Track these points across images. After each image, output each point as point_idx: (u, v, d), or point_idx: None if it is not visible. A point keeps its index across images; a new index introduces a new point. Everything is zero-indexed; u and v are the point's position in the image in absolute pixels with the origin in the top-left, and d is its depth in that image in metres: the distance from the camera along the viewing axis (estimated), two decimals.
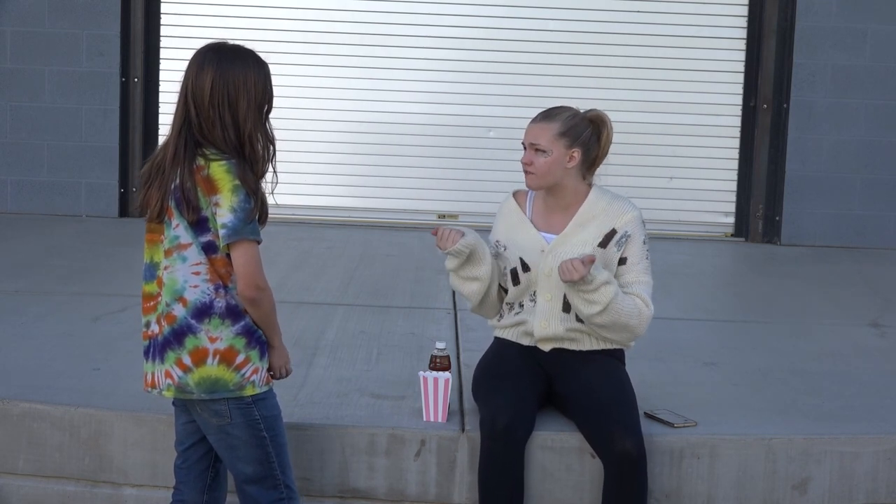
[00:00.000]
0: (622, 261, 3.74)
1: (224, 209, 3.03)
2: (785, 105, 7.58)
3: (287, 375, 3.34)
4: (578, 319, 3.75)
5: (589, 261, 3.55)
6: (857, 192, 7.60)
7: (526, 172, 3.75)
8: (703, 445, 3.78)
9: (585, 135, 3.75)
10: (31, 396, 3.89)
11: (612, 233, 3.73)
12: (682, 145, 7.79)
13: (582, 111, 3.80)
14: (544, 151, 3.71)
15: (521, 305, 3.84)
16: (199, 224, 3.07)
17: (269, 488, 3.21)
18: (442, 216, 7.83)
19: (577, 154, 3.73)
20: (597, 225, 3.74)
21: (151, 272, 3.17)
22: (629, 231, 3.73)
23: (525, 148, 3.76)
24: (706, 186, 7.82)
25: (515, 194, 3.92)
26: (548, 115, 3.77)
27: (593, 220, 3.75)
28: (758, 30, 7.65)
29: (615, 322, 3.66)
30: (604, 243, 3.72)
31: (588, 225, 3.75)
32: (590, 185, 3.81)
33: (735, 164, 7.79)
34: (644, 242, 3.77)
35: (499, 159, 7.58)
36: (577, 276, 3.54)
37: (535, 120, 3.78)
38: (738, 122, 7.77)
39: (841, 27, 7.48)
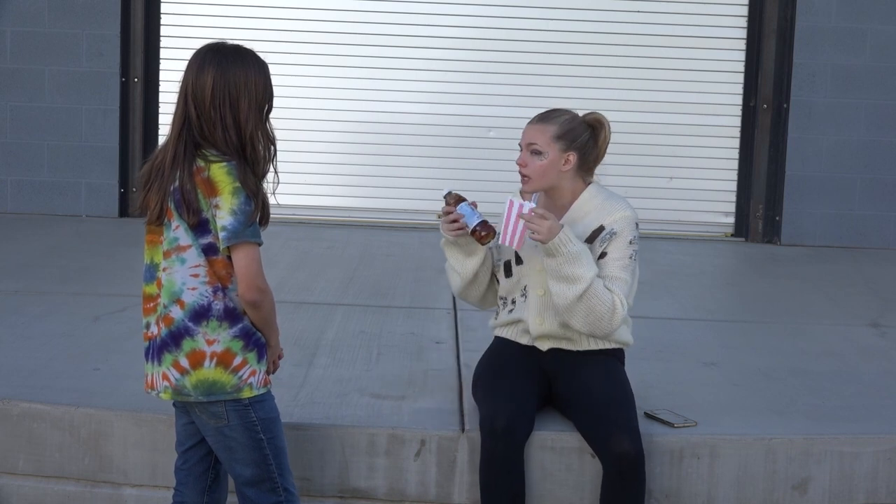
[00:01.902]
0: (601, 255, 3.69)
1: (224, 211, 3.02)
2: (785, 105, 7.58)
3: (274, 371, 3.33)
4: None
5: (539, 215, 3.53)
6: (857, 192, 7.60)
7: (521, 175, 3.75)
8: (703, 445, 3.78)
9: (582, 139, 3.74)
10: (31, 396, 3.89)
11: (600, 229, 3.70)
12: (682, 145, 7.79)
13: (581, 115, 3.80)
14: (540, 153, 3.71)
15: (514, 302, 3.84)
16: (200, 226, 3.06)
17: (267, 491, 3.21)
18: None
19: (572, 157, 3.72)
20: (587, 222, 3.73)
21: (151, 273, 3.17)
22: (615, 229, 3.69)
23: (521, 149, 3.76)
24: (706, 186, 7.82)
25: (521, 192, 3.92)
26: (545, 117, 3.77)
27: (585, 217, 3.74)
28: (758, 30, 7.65)
29: (591, 309, 3.59)
30: (590, 239, 3.71)
31: (579, 222, 3.73)
32: (587, 184, 3.81)
33: (735, 164, 7.80)
34: (631, 243, 3.70)
35: (499, 159, 7.57)
36: (544, 232, 3.51)
37: (532, 121, 3.78)
38: (738, 122, 7.77)
39: (841, 27, 7.48)
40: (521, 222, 3.56)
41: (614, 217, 3.71)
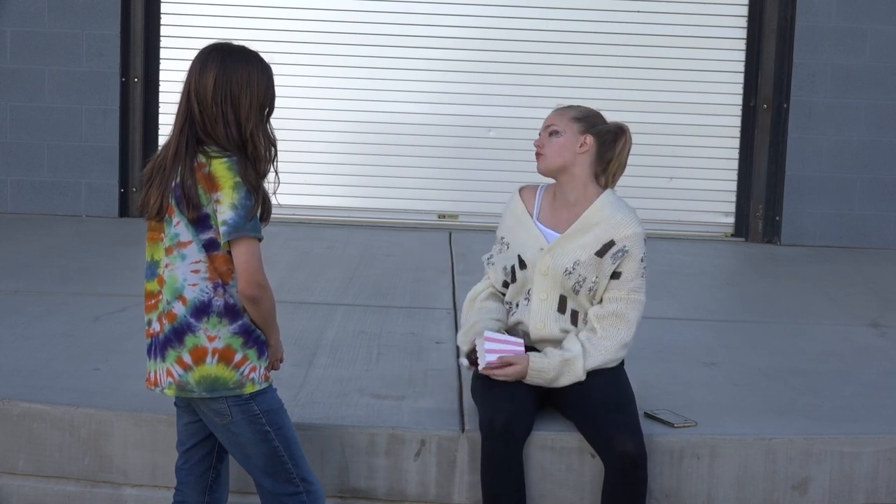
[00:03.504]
0: (615, 275, 3.72)
1: (225, 206, 3.03)
2: (785, 105, 7.58)
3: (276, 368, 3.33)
4: (573, 321, 3.76)
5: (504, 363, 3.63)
6: (857, 192, 7.60)
7: (537, 154, 3.76)
8: (703, 445, 3.78)
9: (602, 127, 3.77)
10: (31, 396, 3.89)
11: (611, 244, 3.71)
12: (682, 145, 7.79)
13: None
14: (557, 132, 3.73)
15: (517, 306, 3.84)
16: (201, 221, 3.07)
17: (283, 482, 3.21)
18: (442, 216, 7.83)
19: (589, 140, 3.73)
20: (597, 232, 3.73)
21: (153, 270, 3.18)
22: (627, 247, 3.71)
23: (540, 135, 3.78)
24: (706, 186, 7.83)
25: (522, 190, 3.92)
26: (567, 105, 3.83)
27: (595, 227, 3.74)
28: (758, 30, 7.65)
29: (603, 363, 3.71)
30: (601, 252, 3.72)
31: (589, 231, 3.74)
32: (601, 189, 3.81)
33: (735, 164, 7.80)
34: (642, 260, 3.74)
35: (499, 159, 7.58)
36: (513, 377, 3.62)
37: (554, 109, 3.83)
38: (738, 122, 7.77)
39: (841, 27, 7.48)
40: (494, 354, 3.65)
41: (625, 233, 3.72)
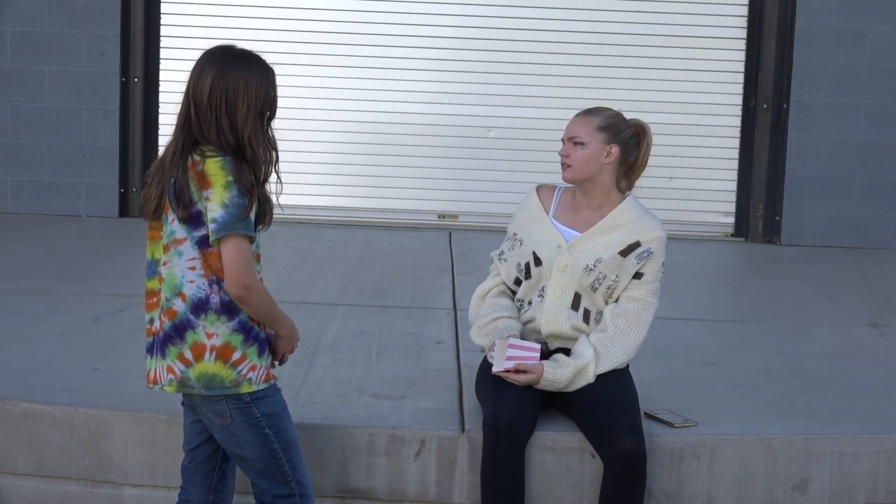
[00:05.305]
0: (638, 275, 3.75)
1: (215, 204, 3.04)
2: (785, 105, 7.58)
3: (281, 363, 3.33)
4: (584, 319, 3.77)
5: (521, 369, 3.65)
6: (857, 192, 7.60)
7: (563, 165, 3.76)
8: (703, 445, 3.78)
9: (626, 134, 3.78)
10: (31, 396, 3.89)
11: (636, 245, 3.74)
12: (682, 145, 7.78)
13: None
14: (582, 144, 3.73)
15: (530, 303, 3.84)
16: (193, 219, 3.08)
17: (278, 484, 3.22)
18: (442, 216, 7.83)
19: (614, 150, 3.75)
20: (622, 233, 3.75)
21: (153, 269, 3.19)
22: (653, 249, 3.74)
23: (563, 143, 3.78)
24: (706, 186, 7.82)
25: (539, 189, 3.92)
26: (589, 111, 3.83)
27: (620, 228, 3.76)
28: (758, 30, 7.65)
29: (625, 360, 3.76)
30: (625, 252, 3.73)
31: (613, 232, 3.76)
32: (624, 194, 3.82)
33: (735, 164, 7.80)
34: (662, 265, 3.78)
35: (499, 159, 7.58)
36: (524, 382, 3.65)
37: (575, 115, 3.83)
38: (738, 122, 7.77)
39: (841, 27, 7.48)
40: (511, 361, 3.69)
41: (651, 236, 3.75)
